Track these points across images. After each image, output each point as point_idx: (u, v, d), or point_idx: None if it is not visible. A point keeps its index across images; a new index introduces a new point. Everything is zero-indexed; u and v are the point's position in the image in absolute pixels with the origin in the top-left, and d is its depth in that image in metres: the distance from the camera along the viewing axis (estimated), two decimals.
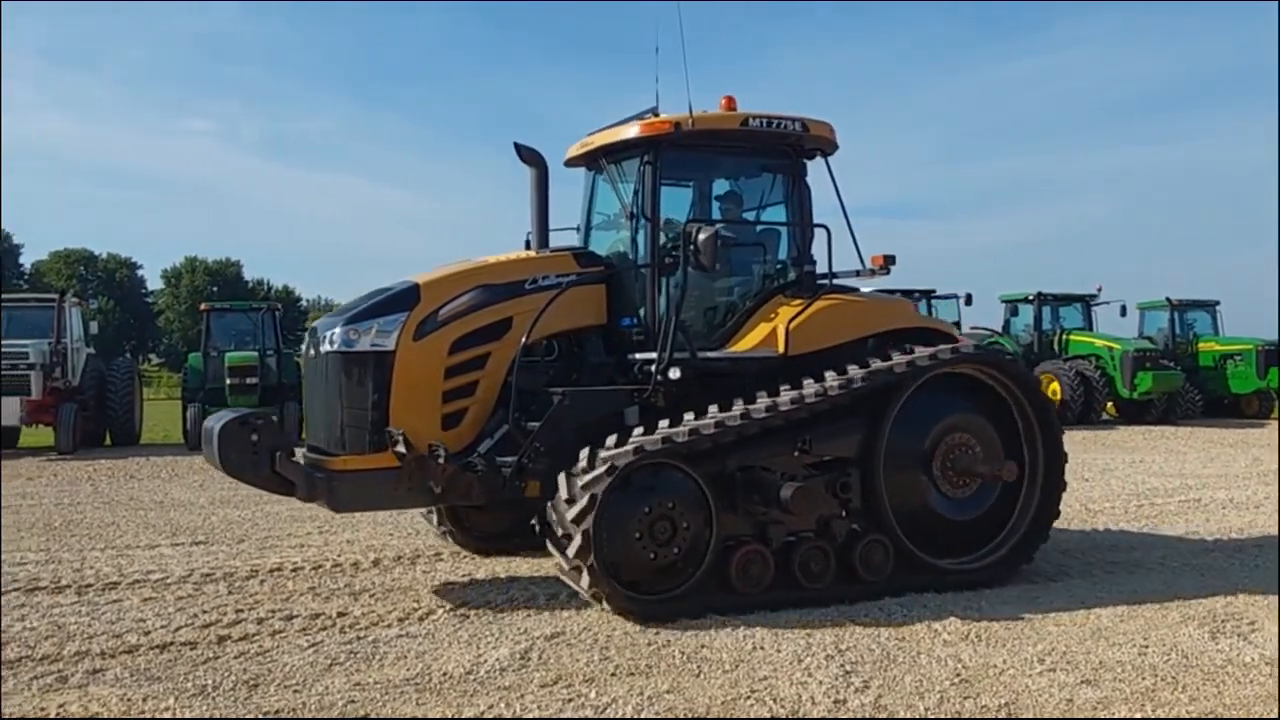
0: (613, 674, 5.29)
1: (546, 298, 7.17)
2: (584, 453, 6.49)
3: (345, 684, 5.17)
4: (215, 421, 6.80)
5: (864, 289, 7.97)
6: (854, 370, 7.00)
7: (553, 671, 5.32)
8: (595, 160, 7.99)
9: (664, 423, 6.66)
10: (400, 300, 6.93)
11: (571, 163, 8.23)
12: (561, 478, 6.47)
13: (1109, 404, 25.53)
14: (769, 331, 7.22)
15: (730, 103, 7.52)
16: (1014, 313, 27.49)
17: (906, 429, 7.22)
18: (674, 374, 6.96)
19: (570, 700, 4.91)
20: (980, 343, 8.52)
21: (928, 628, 6.17)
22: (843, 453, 7.07)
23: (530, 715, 4.73)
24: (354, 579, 7.65)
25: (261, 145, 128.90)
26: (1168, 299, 27.71)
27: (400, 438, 6.62)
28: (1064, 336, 26.34)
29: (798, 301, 7.38)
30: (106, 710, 4.80)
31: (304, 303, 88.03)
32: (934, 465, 7.31)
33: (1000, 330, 26.79)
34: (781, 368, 7.11)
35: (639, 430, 6.60)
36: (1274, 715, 4.85)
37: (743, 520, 6.75)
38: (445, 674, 5.28)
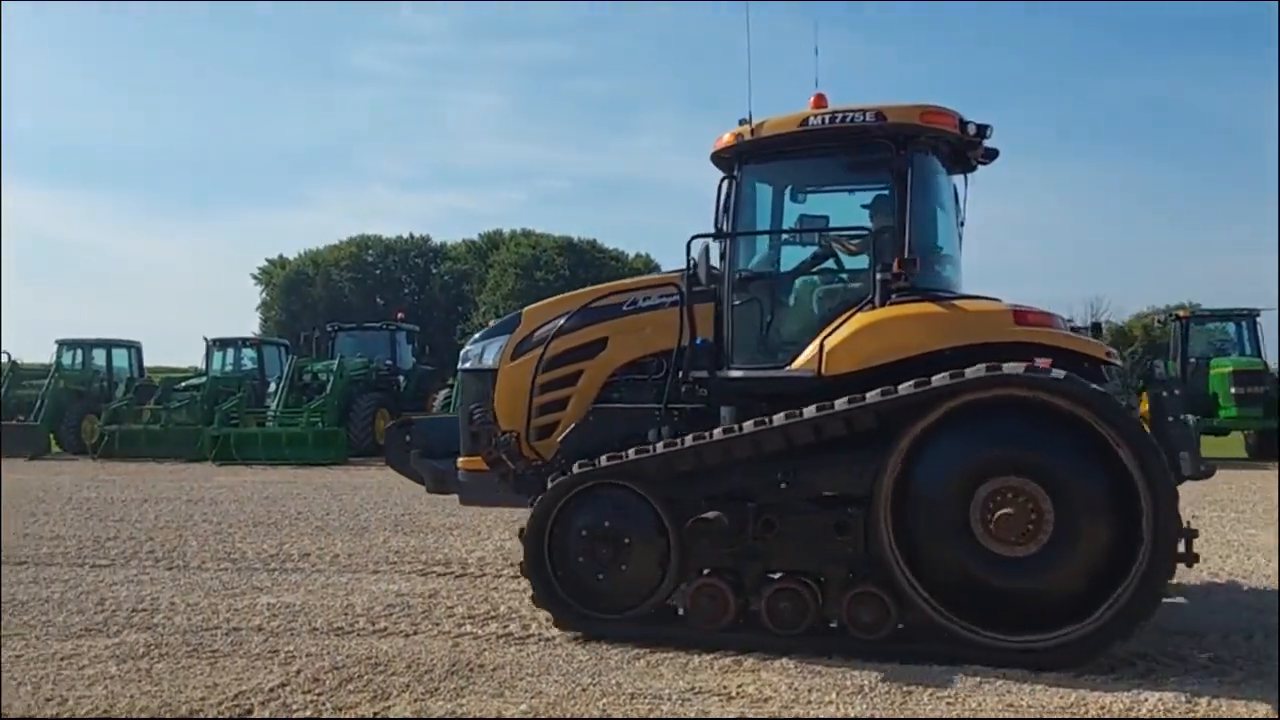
0: None
1: (643, 320, 7.42)
2: None
3: (997, 704, 5.20)
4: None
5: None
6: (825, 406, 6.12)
7: None
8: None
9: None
10: (506, 325, 7.94)
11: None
12: None
13: None
14: (817, 349, 6.58)
15: (819, 101, 6.99)
16: None
17: (936, 466, 6.03)
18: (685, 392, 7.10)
19: None
20: None
21: None
22: (846, 489, 6.20)
23: None
24: None
25: None
26: None
27: (505, 440, 7.23)
28: None
29: (855, 313, 6.65)
30: (778, 695, 5.33)
31: None
32: (971, 515, 5.88)
33: None
34: (828, 388, 6.33)
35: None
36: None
37: (714, 552, 6.37)
38: (1103, 706, 5.08)
